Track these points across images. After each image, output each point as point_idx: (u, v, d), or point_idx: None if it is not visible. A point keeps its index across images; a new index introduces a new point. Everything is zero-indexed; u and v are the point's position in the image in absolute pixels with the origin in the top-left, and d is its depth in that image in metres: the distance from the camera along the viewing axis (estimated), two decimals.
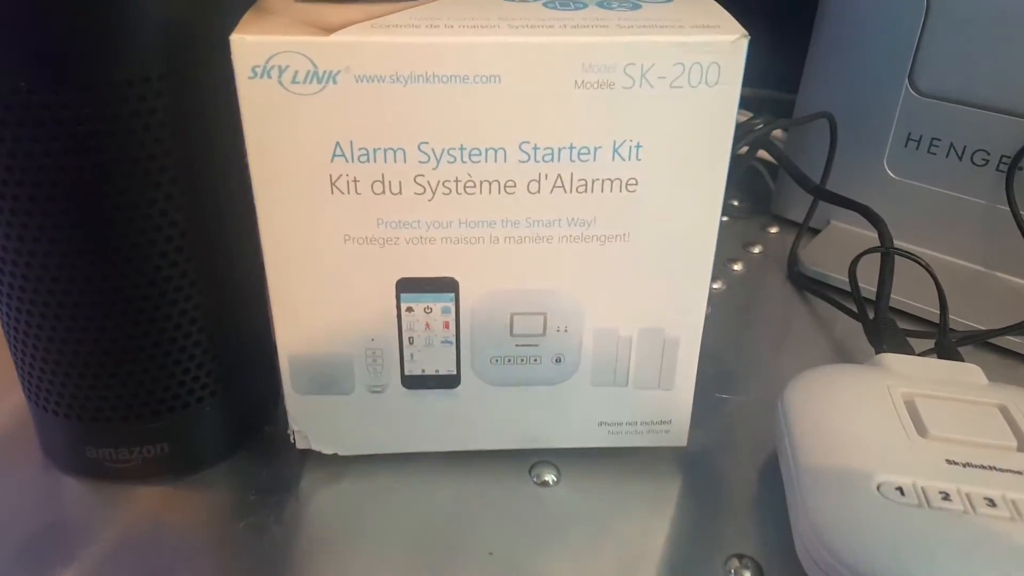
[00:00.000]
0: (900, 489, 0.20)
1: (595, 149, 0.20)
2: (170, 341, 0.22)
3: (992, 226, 0.35)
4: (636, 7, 0.21)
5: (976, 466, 0.21)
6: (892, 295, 0.33)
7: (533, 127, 0.20)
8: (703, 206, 0.21)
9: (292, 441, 0.24)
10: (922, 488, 0.20)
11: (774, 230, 0.40)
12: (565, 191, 0.21)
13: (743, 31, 0.19)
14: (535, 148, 0.20)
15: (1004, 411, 0.23)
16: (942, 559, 0.19)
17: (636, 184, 0.21)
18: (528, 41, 0.19)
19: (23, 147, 0.19)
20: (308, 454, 0.24)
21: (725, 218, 0.41)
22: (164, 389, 0.23)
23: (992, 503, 0.20)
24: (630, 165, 0.20)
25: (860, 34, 0.36)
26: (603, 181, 0.21)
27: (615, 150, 0.20)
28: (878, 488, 0.20)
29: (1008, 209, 0.34)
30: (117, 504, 0.23)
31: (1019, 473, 0.21)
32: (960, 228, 0.36)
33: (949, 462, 0.21)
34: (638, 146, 0.20)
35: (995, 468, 0.21)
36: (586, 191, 0.21)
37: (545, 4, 0.21)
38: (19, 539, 0.22)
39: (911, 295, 0.33)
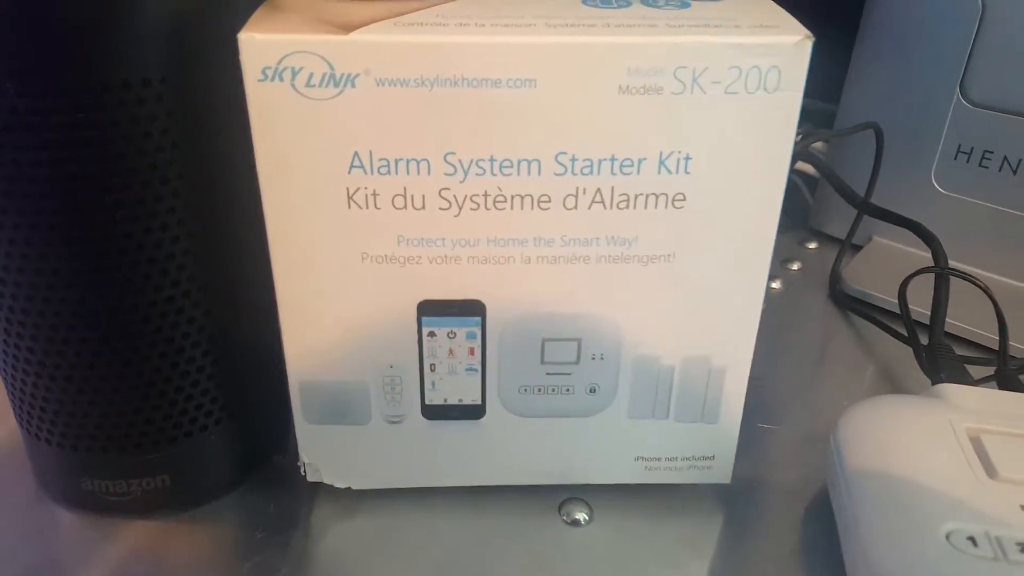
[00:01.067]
0: (972, 539, 0.18)
1: (639, 161, 0.18)
2: (172, 366, 0.20)
3: None
4: (685, 5, 0.19)
5: None
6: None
7: (571, 136, 0.18)
8: (758, 225, 0.19)
9: (303, 474, 0.22)
10: (996, 538, 0.18)
11: (812, 246, 0.38)
12: (605, 207, 0.19)
13: (807, 32, 0.18)
14: (573, 160, 0.18)
15: None
16: None
17: (684, 200, 0.19)
18: (567, 41, 0.17)
19: (10, 156, 0.17)
20: (320, 487, 0.23)
21: None
22: (165, 417, 0.21)
23: None
24: (678, 179, 0.19)
25: (908, 40, 0.34)
26: (647, 196, 0.19)
27: (662, 162, 0.18)
28: (947, 537, 0.18)
29: None
30: (114, 539, 0.22)
31: None
32: (1014, 246, 0.34)
33: (1022, 505, 0.19)
34: (687, 158, 0.18)
35: None
36: (628, 207, 0.19)
37: (585, 1, 0.19)
38: (11, 575, 0.21)
39: (964, 318, 0.31)
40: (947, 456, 0.21)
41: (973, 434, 0.22)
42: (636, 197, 0.19)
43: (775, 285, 0.35)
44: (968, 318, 0.31)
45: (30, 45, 0.16)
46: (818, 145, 0.38)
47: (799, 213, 0.40)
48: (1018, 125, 0.33)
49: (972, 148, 0.34)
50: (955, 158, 0.34)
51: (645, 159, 0.18)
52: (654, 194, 0.19)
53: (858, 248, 0.37)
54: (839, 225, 0.37)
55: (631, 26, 0.18)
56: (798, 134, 0.38)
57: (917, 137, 0.35)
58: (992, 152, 0.34)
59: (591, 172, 0.18)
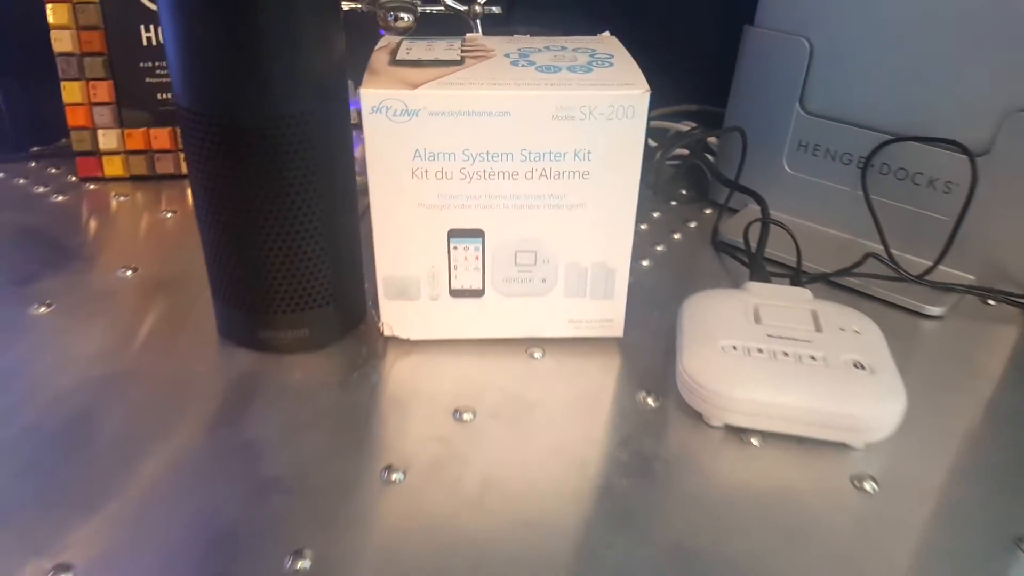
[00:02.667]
0: (734, 347, 0.35)
1: (564, 154, 0.35)
2: (313, 267, 0.37)
3: (853, 206, 0.50)
4: (589, 71, 0.36)
5: (784, 337, 0.36)
6: (779, 252, 0.48)
7: (528, 141, 0.35)
8: (627, 188, 0.36)
9: (381, 331, 0.39)
10: (746, 347, 0.35)
11: (708, 211, 0.55)
12: (547, 178, 0.36)
13: (647, 87, 0.34)
14: (530, 153, 0.35)
15: (814, 313, 0.38)
16: (753, 382, 0.34)
17: (588, 175, 0.36)
18: (526, 94, 0.34)
19: (237, 151, 0.34)
20: (390, 340, 0.40)
21: (673, 203, 0.56)
22: (307, 295, 0.38)
23: (787, 355, 0.35)
24: (585, 164, 0.35)
25: (766, 71, 0.51)
26: (569, 172, 0.36)
27: (576, 154, 0.35)
28: (721, 348, 0.35)
29: (863, 195, 0.49)
30: (275, 367, 0.39)
31: (809, 341, 0.36)
32: (834, 207, 0.51)
33: (769, 335, 0.36)
34: (589, 152, 0.35)
35: (795, 339, 0.36)
36: (560, 178, 0.36)
37: (537, 69, 0.36)
38: (214, 390, 0.37)
39: (784, 250, 0.48)
40: (734, 313, 0.38)
41: (756, 306, 0.39)
42: (563, 173, 0.36)
43: (676, 237, 0.52)
44: (787, 249, 0.48)
45: (251, 94, 0.33)
46: (712, 139, 0.55)
47: (702, 189, 0.57)
48: (835, 128, 0.50)
49: (808, 143, 0.51)
50: (798, 150, 0.52)
51: (567, 152, 0.35)
52: (573, 171, 0.36)
53: (736, 211, 0.54)
54: (726, 197, 0.54)
55: (559, 84, 0.34)
56: (696, 132, 0.55)
57: (774, 136, 0.52)
58: (820, 145, 0.51)
59: (539, 160, 0.35)
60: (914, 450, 0.35)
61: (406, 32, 0.46)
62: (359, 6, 0.46)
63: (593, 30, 0.42)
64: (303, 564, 0.28)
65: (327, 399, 0.36)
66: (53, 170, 0.59)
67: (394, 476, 0.32)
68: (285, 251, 0.36)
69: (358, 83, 0.34)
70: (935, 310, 0.45)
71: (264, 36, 0.32)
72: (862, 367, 0.35)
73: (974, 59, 0.44)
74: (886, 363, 0.35)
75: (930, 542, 0.30)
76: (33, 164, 0.60)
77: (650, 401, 0.37)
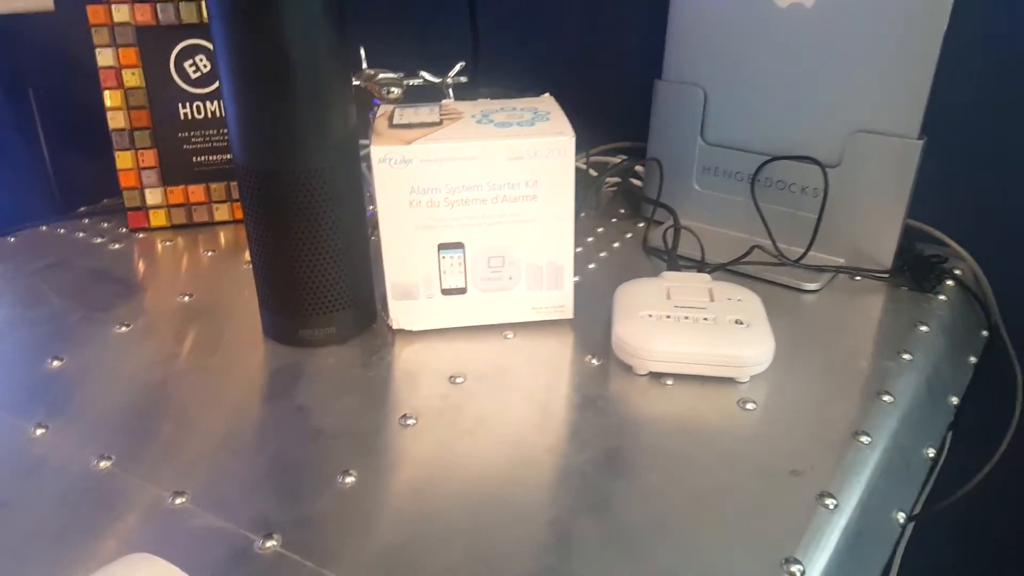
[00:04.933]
0: (650, 315, 0.49)
1: (518, 183, 0.49)
2: (337, 279, 0.50)
3: (747, 212, 0.64)
4: (532, 124, 0.50)
5: (686, 307, 0.49)
6: (689, 250, 0.62)
7: (492, 176, 0.48)
8: (565, 205, 0.50)
9: (390, 325, 0.52)
10: (659, 315, 0.49)
11: (641, 225, 0.69)
12: (507, 202, 0.49)
13: (573, 133, 0.48)
14: (493, 184, 0.49)
15: (710, 290, 0.52)
16: (664, 338, 0.47)
17: (536, 197, 0.49)
18: (488, 143, 0.48)
19: (279, 196, 0.47)
20: (398, 332, 0.52)
21: (614, 220, 0.70)
22: (333, 301, 0.51)
23: (687, 318, 0.48)
24: (533, 189, 0.49)
25: (673, 113, 0.66)
26: (523, 196, 0.49)
27: (526, 184, 0.49)
28: (641, 316, 0.49)
29: (753, 203, 0.63)
30: (309, 356, 0.51)
31: (704, 308, 0.49)
32: (733, 214, 0.65)
33: (676, 306, 0.50)
34: (536, 181, 0.49)
35: (694, 307, 0.49)
36: (516, 201, 0.49)
37: (495, 125, 0.50)
38: (268, 373, 0.50)
39: (692, 248, 0.62)
40: (652, 292, 0.51)
41: (668, 287, 0.52)
42: (518, 197, 0.49)
43: (616, 245, 0.65)
44: (693, 247, 0.62)
45: (289, 153, 0.46)
46: (640, 168, 0.69)
47: (636, 208, 0.71)
48: (729, 153, 0.64)
49: (711, 167, 0.65)
50: (703, 172, 0.66)
51: (520, 182, 0.49)
52: (525, 195, 0.49)
53: (661, 223, 0.68)
54: (651, 212, 0.68)
55: (511, 136, 0.48)
56: (625, 162, 0.70)
57: (684, 162, 0.66)
58: (719, 168, 0.65)
59: (501, 189, 0.49)
60: (783, 382, 0.48)
61: (396, 102, 0.60)
62: (359, 83, 0.59)
63: (544, 88, 0.56)
64: (350, 479, 0.41)
65: (354, 375, 0.49)
66: (105, 224, 0.71)
67: (409, 421, 0.45)
68: (317, 268, 0.49)
69: (362, 140, 0.48)
70: (811, 285, 0.59)
71: (298, 112, 0.46)
72: (741, 323, 0.48)
73: (824, 96, 0.59)
74: (761, 320, 0.49)
75: (789, 439, 0.44)
76: (86, 221, 0.72)
77: (594, 361, 0.50)
